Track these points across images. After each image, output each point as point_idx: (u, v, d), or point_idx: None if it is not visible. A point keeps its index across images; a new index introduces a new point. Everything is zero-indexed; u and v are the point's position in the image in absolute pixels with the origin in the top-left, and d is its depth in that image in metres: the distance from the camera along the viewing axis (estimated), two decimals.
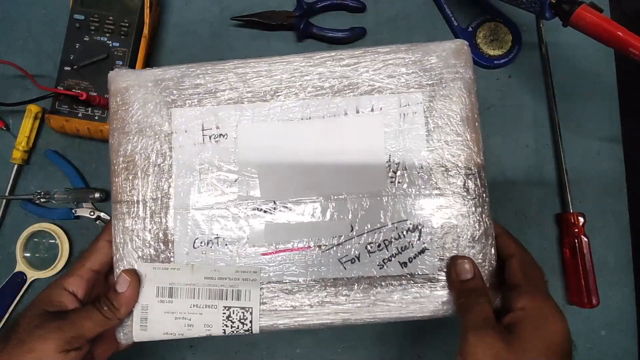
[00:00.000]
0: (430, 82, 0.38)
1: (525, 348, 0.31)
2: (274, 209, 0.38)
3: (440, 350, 0.50)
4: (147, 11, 0.49)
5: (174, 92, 0.39)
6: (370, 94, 0.39)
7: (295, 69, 0.39)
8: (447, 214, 0.38)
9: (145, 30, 0.49)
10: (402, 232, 0.38)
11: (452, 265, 0.36)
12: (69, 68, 0.49)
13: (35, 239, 0.51)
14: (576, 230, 0.48)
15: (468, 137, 0.38)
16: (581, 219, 0.48)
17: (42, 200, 0.50)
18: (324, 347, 0.50)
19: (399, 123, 0.38)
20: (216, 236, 0.38)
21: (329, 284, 0.38)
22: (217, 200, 0.38)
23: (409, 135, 0.38)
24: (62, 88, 0.48)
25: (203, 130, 0.39)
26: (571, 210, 0.49)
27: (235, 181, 0.38)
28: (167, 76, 0.39)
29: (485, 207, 0.38)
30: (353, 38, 0.53)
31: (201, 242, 0.38)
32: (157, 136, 0.39)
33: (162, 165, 0.39)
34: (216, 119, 0.39)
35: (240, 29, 0.54)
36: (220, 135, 0.39)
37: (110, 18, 0.49)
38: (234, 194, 0.38)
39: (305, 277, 0.38)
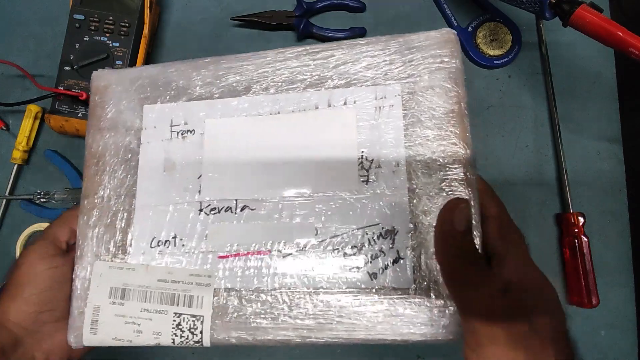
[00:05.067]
0: (410, 73, 0.35)
1: (535, 328, 0.28)
2: (235, 208, 0.36)
3: (440, 350, 0.50)
4: (147, 11, 0.49)
5: (148, 89, 0.39)
6: (344, 87, 0.36)
7: (267, 64, 0.37)
8: (427, 219, 0.33)
9: (145, 30, 0.50)
10: (374, 238, 0.33)
11: (442, 209, 0.29)
12: (69, 68, 0.49)
13: None
14: (576, 230, 0.48)
15: (452, 132, 0.33)
16: (581, 219, 0.48)
17: (42, 200, 0.50)
18: (322, 349, 0.50)
19: (374, 117, 0.35)
20: (173, 236, 0.36)
21: (288, 294, 0.33)
22: (179, 198, 0.37)
23: (385, 130, 0.34)
24: (62, 88, 0.48)
25: (172, 126, 0.38)
26: (571, 210, 0.49)
27: (198, 178, 0.37)
28: (145, 74, 0.39)
29: (473, 211, 0.32)
30: (353, 38, 0.53)
31: (158, 242, 0.36)
32: (128, 132, 0.38)
33: (129, 161, 0.38)
34: (185, 114, 0.38)
35: (240, 29, 0.54)
36: (188, 131, 0.38)
37: (110, 18, 0.49)
38: (195, 192, 0.36)
39: (261, 285, 0.34)
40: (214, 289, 0.34)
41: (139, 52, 0.50)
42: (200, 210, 0.36)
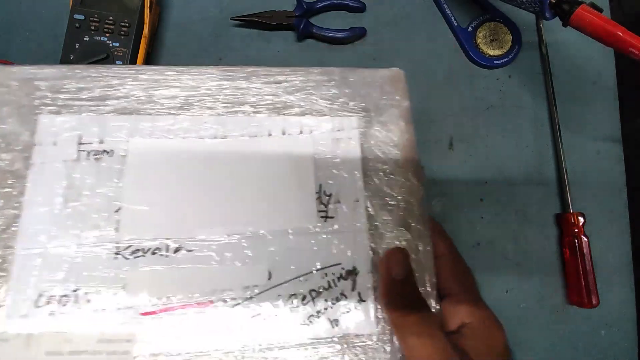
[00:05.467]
0: (367, 107, 0.34)
1: None
2: (167, 249, 0.29)
3: None
4: (147, 11, 0.49)
5: (48, 94, 0.31)
6: (299, 115, 0.33)
7: (211, 80, 0.33)
8: None
9: (145, 30, 0.50)
10: (334, 280, 0.30)
11: (383, 258, 0.30)
12: None
13: None
14: (576, 230, 0.48)
15: (407, 169, 0.33)
16: (581, 219, 0.48)
17: None
18: None
19: (331, 149, 0.33)
20: (75, 289, 0.27)
21: (236, 354, 0.28)
22: (86, 236, 0.28)
23: (343, 164, 0.32)
24: None
25: (80, 144, 0.30)
26: (571, 210, 0.49)
27: (117, 211, 0.29)
28: (41, 76, 0.31)
29: (428, 248, 0.32)
30: (353, 38, 0.53)
31: (49, 299, 0.27)
32: (9, 149, 0.30)
33: (10, 189, 0.29)
34: (101, 130, 0.30)
35: (240, 29, 0.54)
36: (104, 151, 0.30)
37: (110, 18, 0.49)
38: (111, 230, 0.29)
39: (203, 346, 0.27)
40: (134, 357, 0.27)
41: (139, 52, 0.50)
42: (117, 253, 0.28)
